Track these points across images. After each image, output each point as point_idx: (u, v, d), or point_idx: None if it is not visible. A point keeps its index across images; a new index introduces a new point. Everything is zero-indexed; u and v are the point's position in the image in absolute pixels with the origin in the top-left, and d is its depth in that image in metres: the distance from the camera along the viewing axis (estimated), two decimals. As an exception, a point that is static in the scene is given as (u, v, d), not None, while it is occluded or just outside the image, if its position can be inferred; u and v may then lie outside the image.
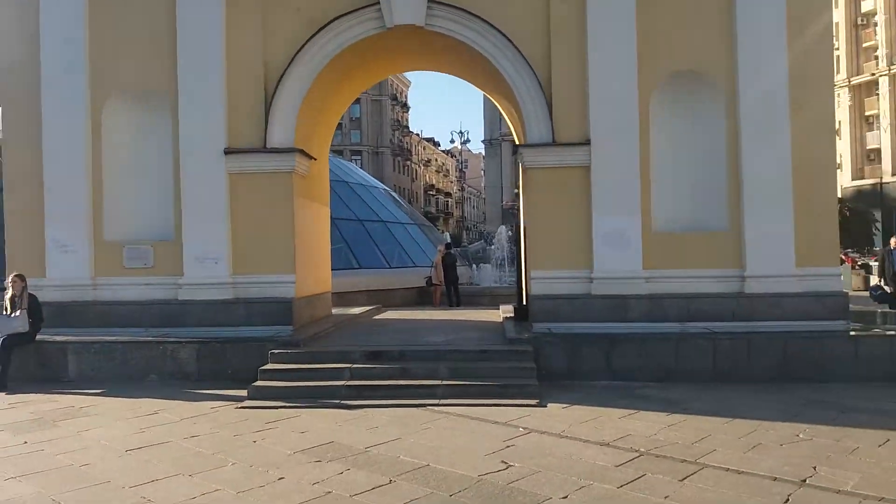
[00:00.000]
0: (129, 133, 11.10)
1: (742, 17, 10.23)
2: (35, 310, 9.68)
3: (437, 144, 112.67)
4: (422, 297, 19.42)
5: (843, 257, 28.56)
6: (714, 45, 10.39)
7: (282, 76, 10.61)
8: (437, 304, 18.06)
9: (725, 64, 10.37)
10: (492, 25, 10.41)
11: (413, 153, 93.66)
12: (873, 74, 48.49)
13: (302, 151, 10.98)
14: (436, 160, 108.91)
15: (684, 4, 10.39)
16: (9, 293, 9.61)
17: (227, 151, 10.65)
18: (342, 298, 15.35)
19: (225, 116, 10.68)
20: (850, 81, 49.88)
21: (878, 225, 39.99)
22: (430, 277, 18.59)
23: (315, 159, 11.83)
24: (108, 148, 10.99)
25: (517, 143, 11.83)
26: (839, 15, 49.30)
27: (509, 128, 14.14)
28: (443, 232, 45.82)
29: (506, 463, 5.62)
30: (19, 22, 10.97)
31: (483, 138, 76.50)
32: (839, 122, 49.04)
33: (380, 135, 78.83)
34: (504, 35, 10.40)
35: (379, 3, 10.46)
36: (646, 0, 10.29)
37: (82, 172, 10.82)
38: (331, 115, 13.19)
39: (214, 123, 10.65)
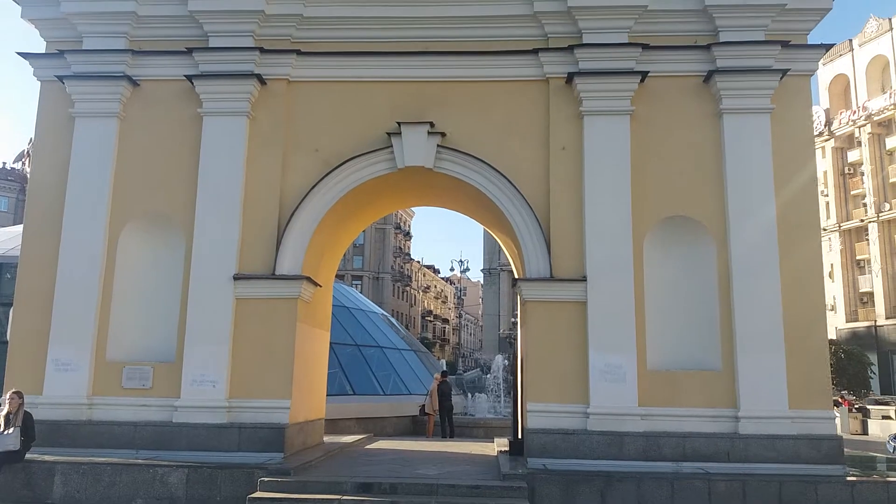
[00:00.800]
0: (142, 256, 11.49)
1: (731, 168, 10.86)
2: (28, 428, 9.64)
3: (436, 272, 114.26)
4: (415, 426, 19.16)
5: (840, 399, 28.36)
6: (704, 192, 10.98)
7: (296, 209, 11.15)
8: (431, 434, 17.79)
9: (716, 210, 10.91)
10: (495, 169, 11.08)
11: (413, 279, 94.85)
12: (862, 221, 50.05)
13: (309, 279, 11.33)
14: (435, 286, 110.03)
15: (676, 155, 11.07)
16: (4, 409, 9.60)
17: (237, 277, 10.99)
18: (334, 425, 15.18)
19: (238, 244, 11.11)
20: (840, 227, 51.38)
21: (874, 368, 39.91)
22: (424, 406, 18.42)
23: (321, 286, 12.17)
24: (121, 270, 11.33)
25: (516, 276, 12.22)
26: (827, 164, 51.59)
27: (508, 259, 14.60)
28: (439, 359, 45.56)
29: None
30: (52, 148, 11.64)
31: (482, 267, 77.74)
32: (832, 265, 50.11)
33: (381, 261, 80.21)
34: (506, 178, 11.04)
35: (391, 146, 11.19)
36: (639, 151, 10.97)
37: (94, 295, 11.08)
38: (338, 246, 13.67)
39: (227, 250, 11.06)
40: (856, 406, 28.53)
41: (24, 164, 60.79)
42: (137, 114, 11.67)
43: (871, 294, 49.76)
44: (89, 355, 10.85)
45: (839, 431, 11.13)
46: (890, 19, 49.85)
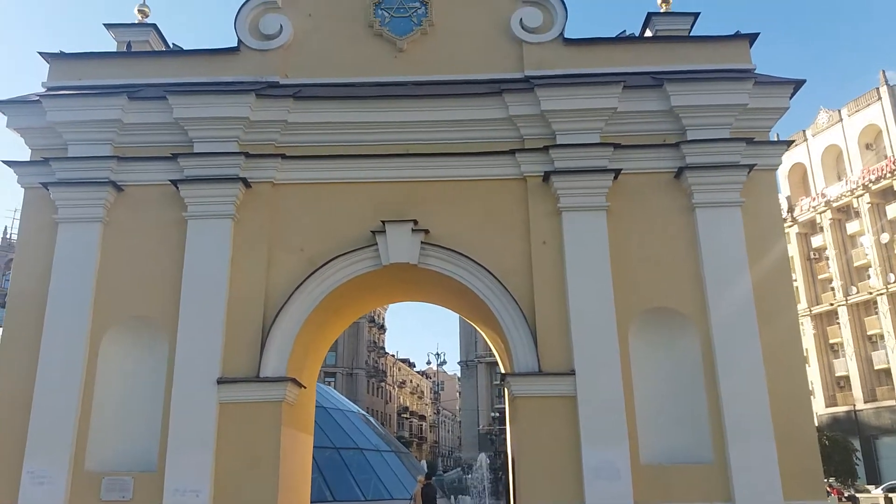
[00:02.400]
0: (124, 362, 11.28)
1: (707, 259, 11.14)
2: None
3: (412, 365, 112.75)
4: (400, 532, 18.47)
5: (829, 489, 28.03)
6: (683, 283, 11.22)
7: (281, 309, 11.13)
8: None
9: (695, 300, 11.12)
10: (479, 264, 11.25)
11: (388, 374, 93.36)
12: (832, 304, 51.08)
13: (294, 380, 11.18)
14: (411, 381, 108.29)
15: (653, 248, 11.36)
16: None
17: (220, 381, 10.80)
18: (316, 533, 14.57)
19: (222, 346, 10.98)
20: (811, 311, 52.32)
21: (859, 454, 39.70)
22: None
23: (305, 388, 11.99)
24: (101, 377, 11.08)
25: (503, 371, 12.20)
26: (793, 249, 53.10)
27: (486, 351, 14.60)
28: (420, 460, 44.33)
29: None
30: (34, 255, 11.58)
31: (459, 360, 76.90)
32: (807, 349, 50.64)
33: (356, 356, 79.08)
34: (490, 272, 11.20)
35: (376, 244, 11.35)
36: (618, 244, 11.26)
37: (73, 404, 10.77)
38: (323, 344, 13.58)
39: (210, 352, 10.91)
40: (845, 495, 28.18)
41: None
42: (121, 218, 11.73)
43: (847, 378, 50.17)
44: (67, 466, 10.43)
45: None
46: (839, 111, 52.71)
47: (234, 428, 10.66)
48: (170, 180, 11.64)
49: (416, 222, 11.43)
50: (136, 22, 13.73)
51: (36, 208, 11.83)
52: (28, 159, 12.22)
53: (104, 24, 13.68)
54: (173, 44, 13.85)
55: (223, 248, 11.36)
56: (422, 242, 11.36)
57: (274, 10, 12.68)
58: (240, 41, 12.58)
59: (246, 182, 11.59)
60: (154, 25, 13.74)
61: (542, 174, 11.54)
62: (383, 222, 11.41)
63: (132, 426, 10.94)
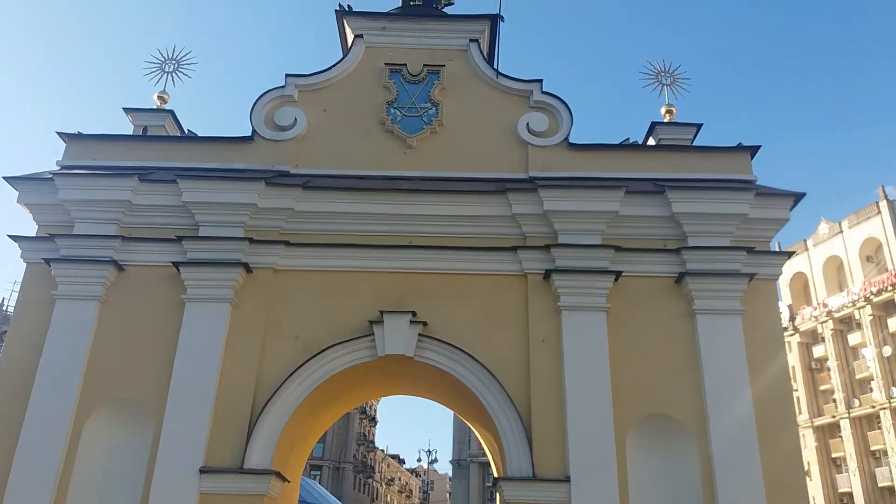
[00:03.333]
0: (106, 445, 10.94)
1: (707, 366, 11.00)
2: None
3: (402, 462, 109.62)
4: None
5: None
6: (682, 390, 11.04)
7: (271, 396, 10.90)
8: None
9: (694, 408, 10.90)
10: (476, 360, 11.10)
11: (376, 470, 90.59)
12: (834, 417, 50.12)
13: (278, 474, 10.80)
14: (399, 479, 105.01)
15: (653, 353, 11.26)
16: None
17: (203, 470, 10.45)
18: None
19: (207, 433, 10.68)
20: (813, 423, 51.26)
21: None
22: None
23: (289, 482, 11.58)
24: (82, 460, 10.72)
25: (496, 474, 11.84)
26: (794, 359, 52.58)
27: (480, 448, 14.20)
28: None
29: None
30: (29, 329, 11.49)
31: (451, 458, 74.64)
32: (808, 463, 49.34)
33: (344, 449, 76.94)
34: (488, 370, 11.03)
35: (372, 334, 11.25)
36: (617, 347, 11.16)
37: (50, 485, 10.38)
38: (311, 435, 13.24)
39: (195, 440, 10.60)
40: None
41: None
42: (119, 298, 11.70)
43: (850, 494, 48.56)
44: (37, 555, 9.98)
45: None
46: (839, 223, 53.47)
47: (214, 521, 10.22)
48: (172, 262, 11.67)
49: (414, 314, 11.37)
50: (155, 107, 14.13)
51: (36, 283, 11.82)
52: (34, 235, 12.33)
53: (123, 109, 14.08)
54: (188, 129, 14.22)
55: (218, 332, 11.26)
56: (419, 335, 11.25)
57: (290, 103, 13.10)
58: (254, 130, 12.91)
59: (248, 267, 11.63)
60: (171, 112, 14.15)
61: (544, 272, 11.57)
62: (381, 312, 11.35)
63: (109, 514, 10.50)
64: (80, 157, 12.76)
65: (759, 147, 12.72)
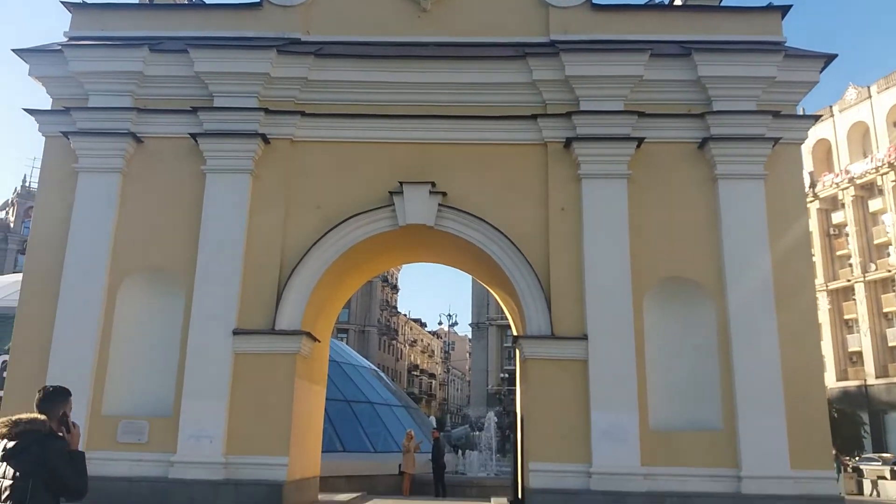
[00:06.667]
0: (141, 310, 11.47)
1: (727, 231, 11.09)
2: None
3: (423, 325, 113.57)
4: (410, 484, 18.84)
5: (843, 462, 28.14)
6: (701, 254, 11.18)
7: (297, 265, 11.23)
8: (407, 493, 17.49)
9: (713, 271, 11.09)
10: (496, 228, 11.25)
11: (399, 333, 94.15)
12: (849, 281, 50.58)
13: (308, 334, 11.34)
14: (422, 340, 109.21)
15: (673, 218, 11.31)
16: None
17: (236, 332, 10.99)
18: (324, 483, 14.89)
19: (238, 298, 11.13)
20: (827, 286, 51.82)
21: (867, 427, 39.83)
22: (401, 465, 18.09)
23: (319, 342, 12.16)
24: (119, 324, 11.30)
25: (515, 333, 12.28)
26: (812, 225, 52.40)
27: (498, 313, 14.68)
28: (428, 416, 44.93)
29: None
30: (54, 203, 11.73)
31: (470, 321, 77.27)
32: (820, 324, 50.43)
33: (368, 314, 79.64)
34: (506, 237, 11.20)
35: (393, 204, 11.37)
36: (637, 213, 11.21)
37: (90, 349, 11.01)
38: (337, 301, 13.72)
39: (227, 304, 11.07)
40: (850, 467, 28.34)
41: (7, 213, 60.75)
42: (140, 169, 11.82)
43: (860, 353, 49.96)
44: (85, 410, 10.64)
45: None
46: (868, 87, 51.48)
47: (249, 378, 10.87)
48: (189, 134, 11.67)
49: (433, 184, 11.41)
50: (162, -26, 13.57)
51: (56, 157, 11.93)
52: (49, 108, 12.29)
53: (129, -25, 13.57)
54: (197, -4, 13.73)
55: (241, 203, 11.44)
56: (439, 205, 11.35)
57: (298, -35, 12.51)
58: (262, -5, 12.44)
59: (265, 138, 11.60)
60: (179, -22, 13.60)
61: (564, 140, 11.45)
62: (401, 183, 11.40)
63: (148, 373, 11.18)
64: (87, 28, 12.48)
65: (790, 7, 12.08)
